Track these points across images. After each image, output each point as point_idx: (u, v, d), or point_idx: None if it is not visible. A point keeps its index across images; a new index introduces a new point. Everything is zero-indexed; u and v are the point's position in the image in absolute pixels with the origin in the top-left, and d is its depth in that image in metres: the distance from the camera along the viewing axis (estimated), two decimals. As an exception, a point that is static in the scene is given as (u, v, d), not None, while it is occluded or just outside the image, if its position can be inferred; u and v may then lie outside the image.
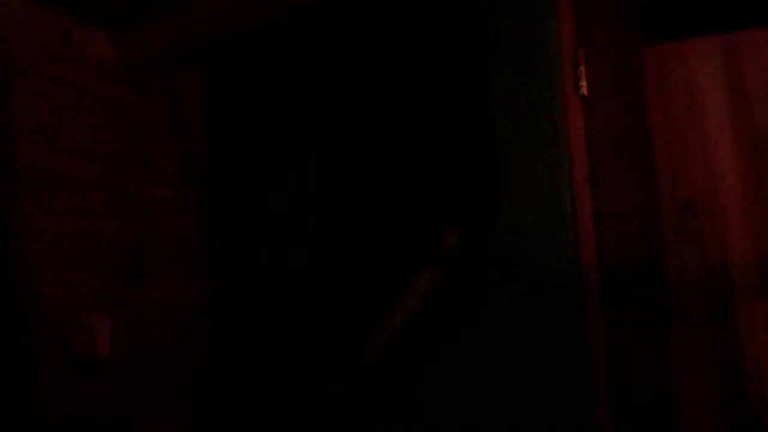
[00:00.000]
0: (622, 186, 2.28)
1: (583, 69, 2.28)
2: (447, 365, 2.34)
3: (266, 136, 2.76)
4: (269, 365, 2.62)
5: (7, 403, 2.22)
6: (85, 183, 2.39)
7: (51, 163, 2.30)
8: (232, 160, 2.80)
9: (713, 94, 2.23)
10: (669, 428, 2.18)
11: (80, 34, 2.47)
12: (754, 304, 2.18)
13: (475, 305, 2.33)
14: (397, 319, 2.34)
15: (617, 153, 2.29)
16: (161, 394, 2.64)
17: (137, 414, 2.57)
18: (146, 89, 2.63)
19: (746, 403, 2.16)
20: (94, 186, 2.43)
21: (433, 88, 2.46)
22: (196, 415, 2.68)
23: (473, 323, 2.32)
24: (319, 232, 2.63)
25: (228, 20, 2.50)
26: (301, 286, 2.63)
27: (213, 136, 2.82)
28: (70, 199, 2.34)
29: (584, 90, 2.28)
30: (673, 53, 2.26)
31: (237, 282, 2.77)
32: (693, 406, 2.20)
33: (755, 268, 2.18)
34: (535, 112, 2.32)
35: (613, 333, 2.26)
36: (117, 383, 2.49)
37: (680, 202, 2.25)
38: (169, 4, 2.46)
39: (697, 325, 2.22)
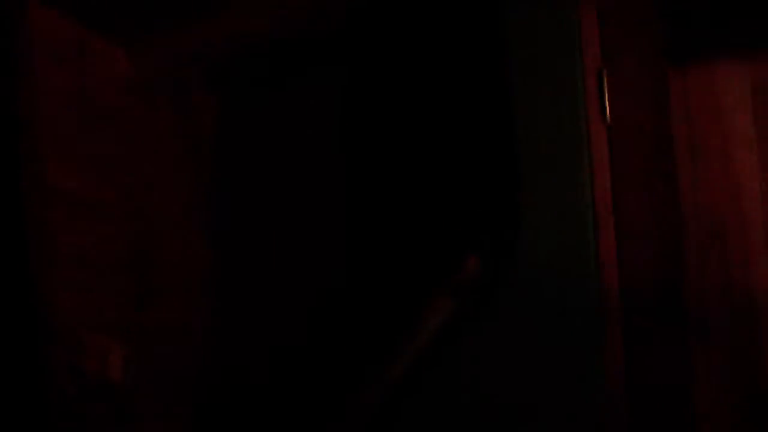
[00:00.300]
0: (645, 212, 2.27)
1: (607, 93, 2.27)
2: (465, 392, 2.33)
3: (280, 156, 2.73)
4: (279, 393, 2.59)
5: (21, 424, 2.18)
6: (103, 203, 2.35)
7: (70, 182, 2.25)
8: (243, 179, 2.77)
9: (741, 121, 2.23)
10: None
11: (97, 45, 2.42)
12: (777, 333, 2.18)
13: (494, 329, 2.32)
14: (415, 346, 2.32)
15: (641, 179, 2.28)
16: (168, 416, 2.60)
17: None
18: (160, 106, 2.59)
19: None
20: (110, 205, 2.38)
21: (457, 109, 2.44)
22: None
23: (492, 348, 2.31)
24: (335, 255, 2.60)
25: (248, 37, 2.48)
26: (314, 307, 2.60)
27: (225, 155, 2.79)
28: (87, 220, 2.30)
29: (608, 114, 2.27)
30: (700, 78, 2.25)
31: (246, 301, 2.73)
32: (714, 426, 2.20)
33: (779, 295, 2.18)
34: (559, 136, 2.30)
35: (633, 360, 2.25)
36: (126, 407, 2.44)
37: (705, 228, 2.25)
38: (188, 16, 2.41)
39: (720, 350, 2.22)
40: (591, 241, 2.28)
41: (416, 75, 2.53)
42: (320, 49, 2.62)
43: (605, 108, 2.27)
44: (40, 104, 2.19)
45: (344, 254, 2.60)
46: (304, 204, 2.68)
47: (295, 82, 2.70)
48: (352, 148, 2.65)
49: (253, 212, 2.76)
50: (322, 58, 2.64)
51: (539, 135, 2.31)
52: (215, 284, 2.72)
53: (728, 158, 2.24)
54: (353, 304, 2.55)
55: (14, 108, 2.25)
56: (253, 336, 2.69)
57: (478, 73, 2.41)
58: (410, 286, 2.41)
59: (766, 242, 2.20)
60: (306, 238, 2.65)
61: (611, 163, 2.28)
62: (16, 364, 2.21)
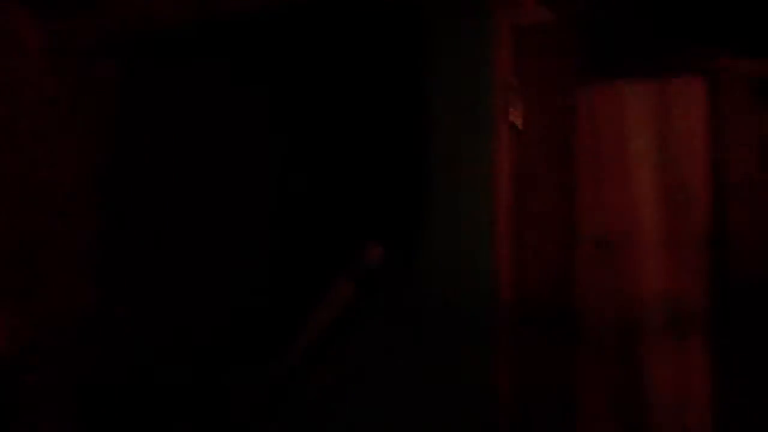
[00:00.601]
0: (542, 218, 2.35)
1: (516, 100, 2.35)
2: (364, 374, 2.37)
3: (182, 134, 2.71)
4: (174, 369, 2.57)
5: None
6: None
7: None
8: (148, 157, 2.74)
9: (641, 136, 2.32)
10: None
11: (8, 15, 2.38)
12: (659, 342, 2.27)
13: (394, 318, 2.36)
14: (316, 328, 2.34)
15: (541, 186, 2.36)
16: (51, 390, 2.54)
17: (24, 408, 2.48)
18: (69, 78, 2.55)
19: (643, 429, 2.25)
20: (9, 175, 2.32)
21: (370, 102, 2.48)
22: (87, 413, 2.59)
23: (391, 335, 2.35)
24: (236, 237, 2.60)
25: (155, 14, 2.47)
26: (216, 287, 2.59)
27: (129, 130, 2.75)
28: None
29: (515, 121, 2.34)
30: (606, 93, 2.34)
31: (140, 284, 2.70)
32: (595, 428, 2.27)
33: (663, 307, 2.27)
34: (467, 137, 2.36)
35: (522, 358, 2.32)
36: (9, 377, 2.38)
37: (598, 237, 2.33)
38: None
39: (605, 356, 2.30)
40: (488, 242, 2.34)
41: (328, 68, 2.56)
42: (228, 30, 2.62)
43: (512, 113, 2.34)
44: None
45: (247, 237, 2.60)
46: (206, 186, 2.67)
47: (201, 60, 2.69)
48: (261, 132, 2.66)
49: (151, 194, 2.73)
50: (230, 39, 2.64)
51: (448, 138, 2.37)
52: (105, 267, 2.67)
53: (627, 172, 2.33)
54: (253, 285, 2.55)
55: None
56: (144, 317, 2.66)
57: (395, 77, 2.46)
58: (313, 271, 2.43)
59: (655, 250, 2.29)
60: (205, 219, 2.64)
61: (514, 169, 2.36)
62: None
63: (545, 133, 2.36)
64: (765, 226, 2.22)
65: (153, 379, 2.57)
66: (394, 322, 2.35)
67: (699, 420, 2.21)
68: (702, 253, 2.26)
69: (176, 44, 2.70)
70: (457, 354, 2.33)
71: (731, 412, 2.18)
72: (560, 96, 2.35)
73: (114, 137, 2.74)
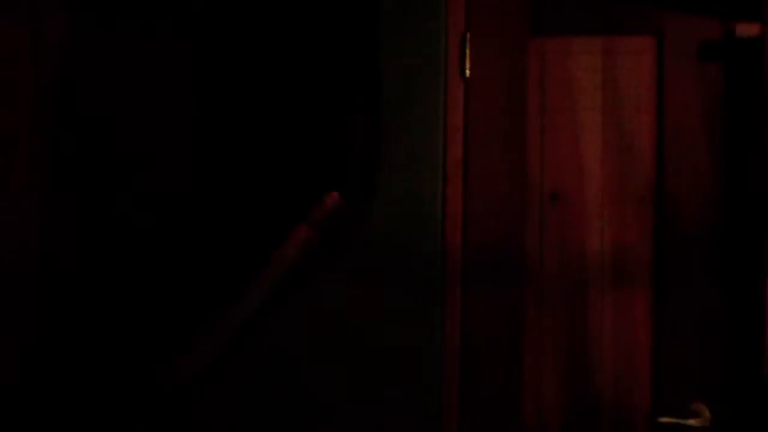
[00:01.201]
0: (492, 170, 2.38)
1: (468, 52, 2.36)
2: (322, 318, 2.40)
3: (130, 80, 2.67)
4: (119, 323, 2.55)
5: None
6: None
7: None
8: (91, 96, 2.69)
9: (590, 93, 2.35)
10: (515, 396, 2.29)
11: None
12: (604, 294, 2.31)
13: (347, 268, 2.38)
14: (273, 276, 2.34)
15: (492, 138, 2.38)
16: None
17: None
18: (11, 16, 2.50)
19: (588, 380, 2.29)
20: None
21: (324, 51, 2.47)
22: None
23: (347, 279, 2.38)
24: (192, 184, 2.59)
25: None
26: (164, 238, 2.58)
27: (72, 69, 2.71)
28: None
29: (467, 72, 2.36)
30: (556, 49, 2.36)
31: (83, 229, 2.66)
32: (541, 378, 2.31)
33: (610, 260, 2.32)
34: (420, 89, 2.38)
35: (471, 308, 2.35)
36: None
37: (547, 191, 2.36)
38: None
39: (551, 307, 2.34)
40: (439, 191, 2.36)
41: (280, 13, 2.55)
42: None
43: (464, 67, 2.35)
44: None
45: (204, 184, 2.59)
46: (154, 130, 2.64)
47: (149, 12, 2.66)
48: (210, 80, 2.64)
49: (98, 130, 2.69)
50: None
51: (402, 85, 2.38)
52: (50, 201, 2.63)
53: (576, 128, 2.35)
54: (212, 232, 2.55)
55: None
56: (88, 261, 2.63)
57: (347, 21, 2.45)
58: (272, 217, 2.44)
59: (601, 206, 2.32)
60: (158, 166, 2.62)
61: (465, 118, 2.37)
62: None
63: (496, 86, 2.37)
64: (706, 184, 2.27)
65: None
66: (350, 266, 2.37)
67: (641, 369, 2.26)
68: (646, 209, 2.30)
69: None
70: (408, 302, 2.36)
71: (671, 362, 2.24)
72: (511, 49, 2.36)
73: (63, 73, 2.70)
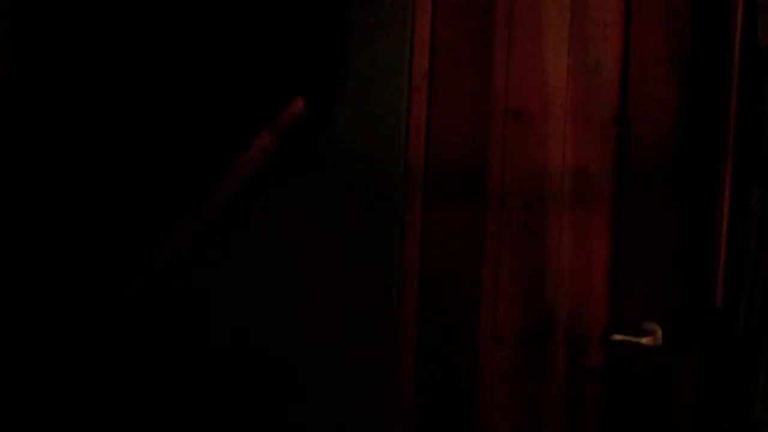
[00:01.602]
0: (458, 85, 2.37)
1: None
2: (281, 226, 2.41)
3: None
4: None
5: None
6: None
7: None
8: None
9: (557, 11, 2.33)
10: (473, 311, 2.33)
11: None
12: (564, 214, 2.33)
13: (310, 178, 2.38)
14: (232, 183, 2.33)
15: (458, 52, 2.36)
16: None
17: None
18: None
19: (545, 297, 2.33)
20: None
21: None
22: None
23: (307, 194, 2.39)
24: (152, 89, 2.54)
25: None
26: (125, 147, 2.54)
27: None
28: None
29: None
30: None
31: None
32: (498, 294, 2.34)
33: (570, 180, 2.33)
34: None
35: (431, 222, 2.36)
36: None
37: (511, 109, 2.36)
38: None
39: (511, 225, 2.36)
40: (404, 104, 2.35)
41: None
42: None
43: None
44: None
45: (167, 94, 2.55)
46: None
47: None
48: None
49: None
50: None
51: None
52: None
53: (542, 47, 2.34)
54: (177, 142, 2.52)
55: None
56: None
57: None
58: (237, 123, 2.41)
59: (564, 126, 2.33)
60: (117, 64, 2.56)
61: (432, 32, 2.35)
62: None
63: (463, 2, 2.35)
64: (669, 106, 2.28)
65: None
66: (311, 177, 2.37)
67: (597, 289, 2.30)
68: (609, 131, 2.31)
69: None
70: (369, 216, 2.37)
71: (627, 283, 2.28)
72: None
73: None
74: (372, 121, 2.38)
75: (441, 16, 2.35)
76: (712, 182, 2.18)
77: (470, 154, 2.36)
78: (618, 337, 2.24)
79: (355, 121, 2.39)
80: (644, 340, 2.22)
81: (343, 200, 2.39)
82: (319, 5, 2.38)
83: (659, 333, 2.22)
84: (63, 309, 2.44)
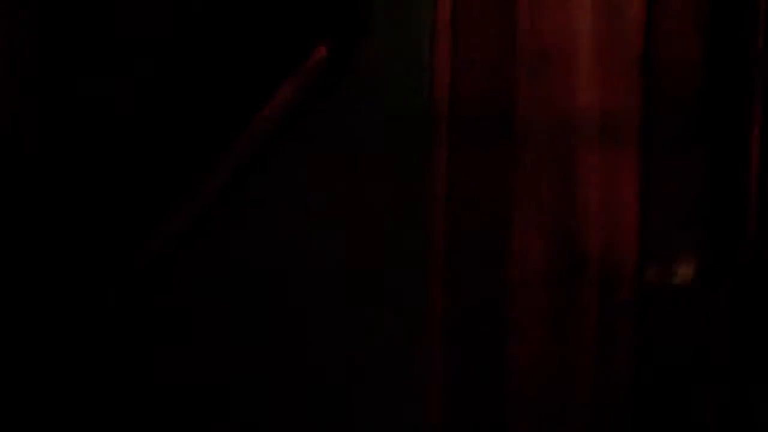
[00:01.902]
0: (481, 30, 2.37)
1: None
2: (298, 185, 2.37)
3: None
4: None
5: None
6: None
7: None
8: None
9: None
10: (501, 254, 2.32)
11: None
12: (592, 155, 2.34)
13: (334, 123, 2.34)
14: (261, 128, 2.30)
15: (482, -2, 2.37)
16: None
17: None
18: None
19: (574, 239, 2.33)
20: None
21: None
22: None
23: (331, 138, 2.35)
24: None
25: None
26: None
27: None
28: None
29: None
30: None
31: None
32: (527, 236, 2.34)
33: (598, 121, 2.34)
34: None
35: (458, 165, 2.35)
36: None
37: (536, 51, 2.36)
38: None
39: (538, 169, 2.36)
40: (428, 49, 2.34)
41: None
42: None
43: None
44: None
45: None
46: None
47: None
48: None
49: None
50: None
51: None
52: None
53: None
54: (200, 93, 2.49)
55: None
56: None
57: None
58: (258, 70, 2.38)
59: (590, 68, 2.34)
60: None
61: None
62: None
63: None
64: (693, 49, 2.31)
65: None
66: (334, 126, 2.34)
67: (626, 232, 2.31)
68: (634, 73, 2.33)
69: None
70: (394, 161, 2.35)
71: (658, 222, 2.29)
72: None
73: None
74: (396, 66, 2.36)
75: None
76: (742, 114, 2.20)
77: (496, 96, 2.36)
78: (650, 271, 2.25)
79: (378, 65, 2.37)
80: (676, 273, 2.23)
81: (367, 146, 2.37)
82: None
83: (691, 267, 2.24)
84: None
